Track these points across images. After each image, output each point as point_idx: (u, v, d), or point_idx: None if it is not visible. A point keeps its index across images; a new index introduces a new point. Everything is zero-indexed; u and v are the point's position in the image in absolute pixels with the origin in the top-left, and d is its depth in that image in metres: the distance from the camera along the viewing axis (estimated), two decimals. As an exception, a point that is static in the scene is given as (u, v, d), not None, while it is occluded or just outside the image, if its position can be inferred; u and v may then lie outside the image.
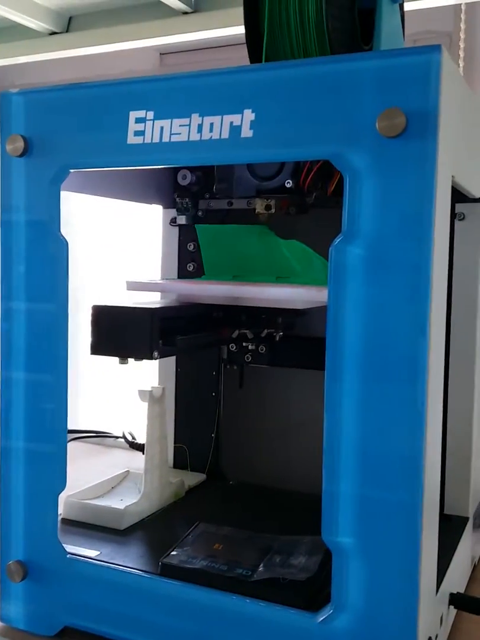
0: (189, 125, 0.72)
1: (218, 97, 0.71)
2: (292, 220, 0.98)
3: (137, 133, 0.74)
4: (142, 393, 0.95)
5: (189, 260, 1.13)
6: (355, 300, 0.66)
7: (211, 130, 0.71)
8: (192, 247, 1.12)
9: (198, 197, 1.09)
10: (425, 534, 0.66)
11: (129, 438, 1.55)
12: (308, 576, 0.74)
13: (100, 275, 1.83)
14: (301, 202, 0.95)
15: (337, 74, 0.66)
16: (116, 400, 1.91)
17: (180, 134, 0.72)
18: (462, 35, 1.78)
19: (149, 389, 0.95)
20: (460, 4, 1.76)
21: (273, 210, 0.95)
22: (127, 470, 1.06)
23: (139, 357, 0.79)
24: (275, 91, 0.69)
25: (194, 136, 0.72)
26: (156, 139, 0.73)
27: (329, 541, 0.68)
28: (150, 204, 1.11)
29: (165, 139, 0.73)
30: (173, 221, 1.12)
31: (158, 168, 1.03)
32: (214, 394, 1.13)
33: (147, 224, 1.52)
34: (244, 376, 1.12)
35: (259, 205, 0.95)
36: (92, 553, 0.82)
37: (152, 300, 0.93)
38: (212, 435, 1.12)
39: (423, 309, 0.64)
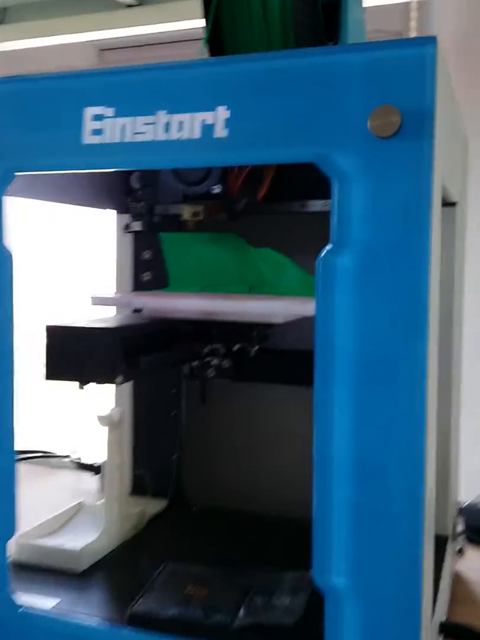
0: (155, 123, 0.64)
1: (188, 92, 0.64)
2: (222, 227, 0.92)
3: (95, 132, 0.66)
4: (102, 418, 0.86)
5: (144, 269, 1.05)
6: (346, 315, 0.60)
7: (180, 129, 0.64)
8: (148, 255, 1.04)
9: (154, 201, 1.01)
10: (426, 567, 0.61)
11: (76, 458, 1.46)
12: (295, 620, 0.67)
13: (41, 288, 1.71)
14: (231, 208, 0.89)
15: (323, 67, 0.60)
16: (60, 417, 1.81)
17: (144, 133, 0.65)
18: (411, 34, 1.75)
19: (108, 413, 0.87)
20: (410, 2, 1.73)
21: (201, 217, 0.89)
22: (81, 502, 0.97)
23: (100, 382, 0.71)
24: (253, 86, 0.62)
25: (161, 136, 0.64)
26: (116, 139, 0.65)
27: (322, 583, 0.61)
28: (103, 208, 1.03)
29: (128, 138, 0.65)
30: (127, 227, 1.04)
31: (112, 170, 0.94)
32: (174, 412, 1.05)
33: (98, 230, 1.42)
34: (206, 392, 1.04)
35: (186, 212, 0.89)
36: (49, 602, 0.73)
37: (108, 316, 0.84)
38: (174, 457, 1.04)
39: (421, 323, 0.59)
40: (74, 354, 0.70)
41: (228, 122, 0.62)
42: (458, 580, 0.98)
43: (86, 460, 1.44)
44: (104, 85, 0.66)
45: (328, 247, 0.61)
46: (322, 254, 0.61)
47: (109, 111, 0.66)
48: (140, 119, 0.65)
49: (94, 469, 1.37)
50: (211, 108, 0.63)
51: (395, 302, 0.59)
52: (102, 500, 0.91)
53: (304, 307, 0.70)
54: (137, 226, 1.03)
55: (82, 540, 0.84)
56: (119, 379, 0.70)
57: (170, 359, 0.83)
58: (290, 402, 1.03)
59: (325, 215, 0.94)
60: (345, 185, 0.59)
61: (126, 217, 1.03)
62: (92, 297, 0.79)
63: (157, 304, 0.77)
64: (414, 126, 0.58)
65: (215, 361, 0.96)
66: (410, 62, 0.58)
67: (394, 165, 0.58)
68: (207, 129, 0.63)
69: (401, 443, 0.59)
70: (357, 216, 0.59)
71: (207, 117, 0.63)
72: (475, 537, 1.12)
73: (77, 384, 0.71)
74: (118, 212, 1.05)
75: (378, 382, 0.60)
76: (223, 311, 0.75)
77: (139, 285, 1.04)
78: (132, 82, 0.66)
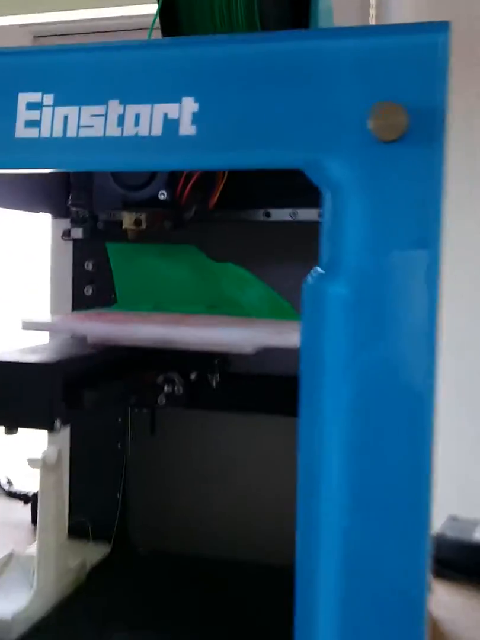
0: (106, 115, 0.52)
1: (148, 78, 0.52)
2: (166, 235, 0.81)
3: (30, 123, 0.54)
4: (33, 461, 0.73)
5: (86, 282, 0.92)
6: (338, 351, 0.50)
7: (137, 123, 0.52)
8: (90, 266, 0.91)
9: (89, 206, 0.89)
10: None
11: (5, 484, 1.31)
12: None
13: None
14: (178, 216, 0.78)
15: (314, 54, 0.49)
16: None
17: (92, 126, 0.53)
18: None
19: (41, 455, 0.74)
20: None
21: (143, 226, 0.77)
22: (11, 552, 0.83)
23: (34, 427, 0.58)
24: (228, 74, 0.51)
25: (113, 131, 0.52)
26: (57, 133, 0.53)
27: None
28: (36, 212, 0.89)
29: (71, 133, 0.53)
30: (66, 234, 0.91)
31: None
32: (119, 445, 0.93)
33: (29, 236, 1.27)
34: (155, 421, 0.92)
35: (127, 220, 0.78)
36: None
37: (42, 344, 0.71)
38: (118, 496, 0.92)
39: (429, 359, 0.49)
40: (2, 394, 0.58)
41: (196, 117, 0.51)
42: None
43: (17, 486, 1.30)
44: (42, 66, 0.54)
45: (316, 271, 0.50)
46: (309, 280, 0.50)
47: (48, 98, 0.53)
48: (87, 109, 0.53)
49: (26, 499, 1.23)
50: (176, 99, 0.51)
51: (398, 337, 0.49)
52: (35, 548, 0.79)
53: (282, 338, 0.60)
54: (78, 233, 0.90)
55: (13, 603, 0.72)
56: (57, 423, 0.58)
57: (117, 392, 0.71)
58: (249, 431, 0.93)
59: (288, 226, 0.85)
60: (339, 198, 0.49)
61: (64, 223, 0.91)
62: (23, 322, 0.66)
63: (105, 332, 0.65)
64: (423, 128, 0.48)
65: (167, 388, 0.84)
66: (419, 51, 0.48)
67: (398, 174, 0.48)
68: (171, 124, 0.51)
69: (403, 489, 0.50)
70: (353, 235, 0.49)
71: (171, 109, 0.51)
72: (444, 571, 1.04)
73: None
74: (54, 217, 0.92)
75: (378, 431, 0.50)
76: (185, 340, 0.64)
77: (80, 301, 0.92)
78: (77, 64, 0.53)
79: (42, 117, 0.53)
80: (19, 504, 1.24)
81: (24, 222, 1.11)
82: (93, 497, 0.92)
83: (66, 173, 0.89)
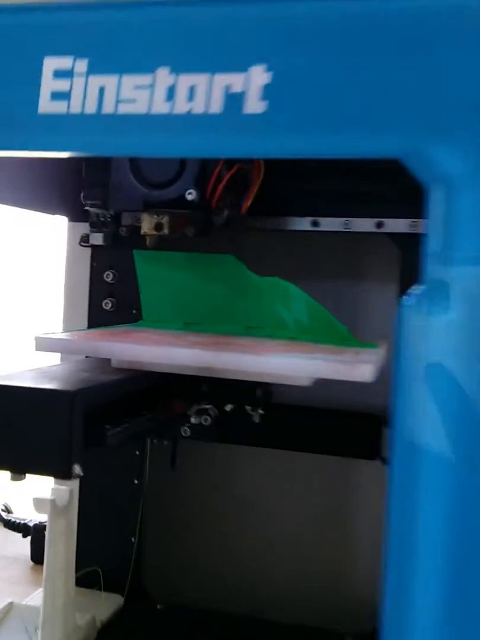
0: (152, 86, 0.42)
1: (207, 42, 0.41)
2: (187, 243, 0.70)
3: (57, 96, 0.43)
4: (39, 503, 0.62)
5: (105, 295, 0.81)
6: (442, 382, 0.39)
7: (191, 98, 0.41)
8: (110, 277, 0.80)
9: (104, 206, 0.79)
10: None
11: (2, 512, 1.19)
12: None
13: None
14: (206, 221, 0.67)
15: (421, 11, 0.39)
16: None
17: (135, 101, 0.42)
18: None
19: (49, 495, 0.63)
20: None
21: (166, 231, 0.66)
22: (10, 602, 0.72)
23: (48, 474, 0.47)
24: (311, 37, 0.40)
25: (160, 106, 0.42)
26: (91, 108, 0.43)
27: None
28: (52, 214, 0.79)
29: (108, 108, 0.42)
30: (84, 240, 0.80)
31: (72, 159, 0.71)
32: (135, 481, 0.81)
33: (43, 241, 1.15)
34: (176, 455, 0.81)
35: (147, 224, 0.67)
36: None
37: (55, 366, 0.60)
38: (133, 539, 0.80)
39: None
40: (7, 429, 0.47)
41: (267, 91, 0.40)
42: None
43: (17, 512, 1.18)
44: (73, 25, 0.43)
45: (416, 291, 0.40)
46: (406, 302, 0.39)
47: (81, 65, 0.43)
48: (129, 79, 0.42)
49: (25, 531, 1.12)
50: (241, 68, 0.41)
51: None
52: (38, 599, 0.67)
53: (347, 369, 0.49)
54: (97, 239, 0.79)
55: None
56: (76, 469, 0.46)
57: (144, 427, 0.60)
58: (282, 469, 0.82)
59: (332, 236, 0.74)
60: (451, 196, 0.38)
61: (83, 227, 0.80)
62: (36, 339, 0.55)
63: (136, 354, 0.54)
64: None
65: (194, 419, 0.73)
66: None
67: None
68: (234, 99, 0.41)
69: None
70: (468, 244, 0.38)
71: (235, 81, 0.41)
72: None
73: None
74: (70, 220, 0.81)
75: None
76: (231, 368, 0.53)
77: (98, 316, 0.81)
78: (117, 22, 0.43)
79: (73, 88, 0.43)
80: (16, 536, 1.13)
81: (38, 224, 1.00)
82: (105, 542, 0.81)
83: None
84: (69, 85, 0.43)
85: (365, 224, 0.73)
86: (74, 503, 0.66)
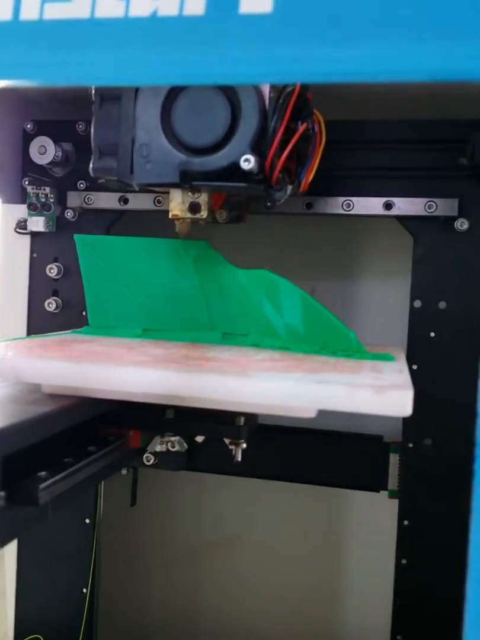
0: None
1: None
2: (203, 231, 0.55)
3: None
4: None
5: (48, 293, 0.66)
6: None
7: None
8: (55, 271, 0.65)
9: (66, 186, 0.64)
10: None
11: None
12: None
13: None
14: (268, 198, 0.53)
15: None
16: None
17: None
18: None
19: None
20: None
21: (203, 214, 0.52)
22: None
23: None
24: None
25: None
26: (49, 12, 0.28)
27: None
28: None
29: (66, 11, 0.28)
30: (22, 226, 0.65)
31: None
32: (87, 520, 0.66)
33: None
34: (136, 488, 0.66)
35: (177, 204, 0.51)
36: None
37: None
38: (84, 590, 0.66)
39: None
40: None
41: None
42: None
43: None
44: None
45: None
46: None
47: None
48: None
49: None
50: None
51: None
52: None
53: (383, 400, 0.35)
54: (38, 225, 0.64)
55: None
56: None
57: (90, 471, 0.45)
58: (263, 499, 0.69)
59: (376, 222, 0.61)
60: None
61: (20, 209, 0.65)
62: None
63: (71, 377, 0.38)
64: None
65: (160, 447, 0.58)
66: None
67: None
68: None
69: None
70: None
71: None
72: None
73: None
74: (4, 201, 0.66)
75: None
76: (208, 396, 0.38)
77: (40, 319, 0.66)
78: None
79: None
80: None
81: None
82: (49, 597, 0.66)
83: (24, 144, 0.64)
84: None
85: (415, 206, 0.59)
86: (4, 562, 0.50)
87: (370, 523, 0.71)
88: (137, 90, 0.49)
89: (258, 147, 0.48)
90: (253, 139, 0.47)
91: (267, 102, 0.48)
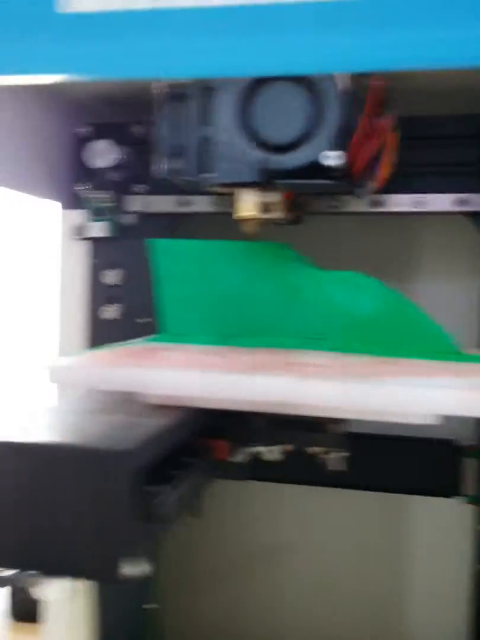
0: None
1: None
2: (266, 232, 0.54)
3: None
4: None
5: (104, 300, 0.64)
6: None
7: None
8: (116, 277, 0.63)
9: (125, 190, 0.62)
10: None
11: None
12: None
13: None
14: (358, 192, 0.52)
15: None
16: None
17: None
18: None
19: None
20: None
21: (279, 213, 0.51)
22: None
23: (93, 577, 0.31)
24: None
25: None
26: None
27: None
28: (40, 197, 0.62)
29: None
30: (79, 232, 0.64)
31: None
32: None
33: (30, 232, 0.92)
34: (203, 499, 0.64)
35: (247, 204, 0.50)
36: None
37: (65, 405, 0.42)
38: (144, 607, 0.64)
39: None
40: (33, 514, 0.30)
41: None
42: None
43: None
44: None
45: None
46: None
47: None
48: None
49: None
50: None
51: None
52: None
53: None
54: (96, 230, 0.63)
55: None
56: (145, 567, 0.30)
57: (197, 484, 0.43)
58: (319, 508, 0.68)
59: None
60: None
61: (78, 215, 0.63)
62: (51, 369, 0.38)
63: (190, 387, 0.36)
64: None
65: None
66: None
67: None
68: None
69: None
70: None
71: None
72: None
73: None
74: (64, 207, 0.64)
75: None
76: (323, 403, 0.37)
77: (98, 326, 0.64)
78: None
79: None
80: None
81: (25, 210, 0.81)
82: (112, 610, 0.64)
83: (78, 146, 0.62)
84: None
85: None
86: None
87: (435, 530, 0.69)
88: (209, 87, 0.47)
89: (341, 142, 0.46)
90: (336, 134, 0.46)
91: (348, 95, 0.46)
